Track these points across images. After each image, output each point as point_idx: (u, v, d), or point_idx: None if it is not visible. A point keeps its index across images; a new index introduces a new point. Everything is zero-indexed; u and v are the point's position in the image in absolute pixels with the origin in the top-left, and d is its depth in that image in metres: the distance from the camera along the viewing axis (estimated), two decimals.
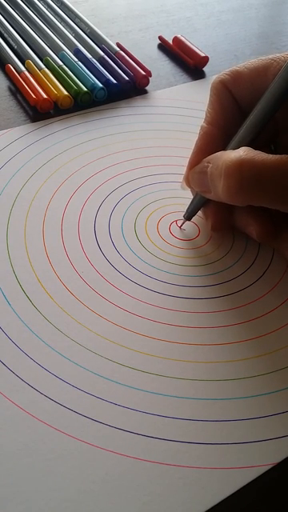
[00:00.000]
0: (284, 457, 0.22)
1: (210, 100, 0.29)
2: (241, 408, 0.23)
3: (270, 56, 0.27)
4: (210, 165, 0.26)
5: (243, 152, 0.24)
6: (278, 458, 0.22)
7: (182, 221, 0.31)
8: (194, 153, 0.29)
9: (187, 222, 0.31)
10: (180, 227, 0.31)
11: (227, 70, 0.28)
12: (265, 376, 0.24)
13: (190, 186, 0.29)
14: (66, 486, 0.20)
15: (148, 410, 0.23)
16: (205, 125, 0.28)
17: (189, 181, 0.29)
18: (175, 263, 0.29)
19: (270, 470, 0.21)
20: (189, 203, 0.30)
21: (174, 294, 0.27)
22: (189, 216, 0.31)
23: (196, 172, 0.28)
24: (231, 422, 0.23)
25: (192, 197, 0.30)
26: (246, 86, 0.27)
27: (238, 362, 0.25)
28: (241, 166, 0.23)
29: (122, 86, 0.40)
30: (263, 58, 0.27)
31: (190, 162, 0.29)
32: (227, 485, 0.21)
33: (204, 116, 0.29)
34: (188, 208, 0.30)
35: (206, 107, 0.29)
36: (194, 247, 0.30)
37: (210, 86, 0.29)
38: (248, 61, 0.28)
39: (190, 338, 0.26)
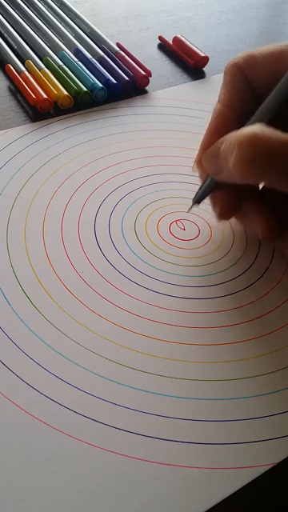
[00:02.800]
0: (284, 457, 0.22)
1: (223, 82, 0.28)
2: (241, 408, 0.23)
3: (285, 42, 0.26)
4: (224, 144, 0.25)
5: (257, 127, 0.23)
6: (277, 458, 0.22)
7: (190, 206, 0.30)
8: (206, 134, 0.28)
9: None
10: (188, 211, 0.31)
11: (241, 55, 0.27)
12: (266, 376, 0.24)
13: (201, 168, 0.29)
14: (65, 486, 0.20)
15: (148, 410, 0.23)
16: (218, 106, 0.28)
17: (201, 163, 0.28)
18: (175, 263, 0.29)
19: (269, 469, 0.21)
20: (192, 197, 0.30)
21: (174, 294, 0.27)
22: (198, 199, 0.30)
23: (209, 154, 0.27)
24: (231, 422, 0.23)
25: (200, 183, 0.29)
26: (260, 71, 0.27)
27: (239, 362, 0.25)
28: (254, 139, 0.23)
29: (122, 86, 0.40)
30: (277, 44, 0.27)
31: (202, 143, 0.28)
32: (227, 485, 0.21)
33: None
34: (197, 192, 0.30)
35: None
36: (194, 247, 0.30)
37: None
38: (260, 47, 0.27)
39: (191, 338, 0.26)
